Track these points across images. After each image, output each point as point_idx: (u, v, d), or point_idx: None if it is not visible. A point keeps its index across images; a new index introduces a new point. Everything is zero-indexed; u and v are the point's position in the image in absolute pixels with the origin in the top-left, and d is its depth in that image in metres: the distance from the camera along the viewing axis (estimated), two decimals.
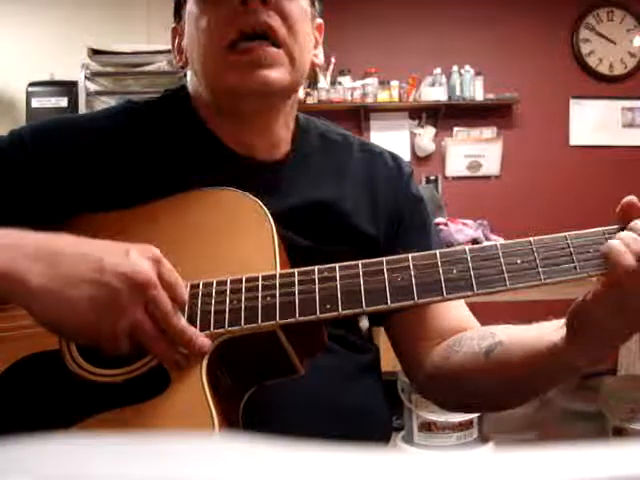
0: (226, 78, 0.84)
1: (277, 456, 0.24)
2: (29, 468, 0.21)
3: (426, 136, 4.25)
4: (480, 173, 4.31)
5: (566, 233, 0.71)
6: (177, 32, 0.94)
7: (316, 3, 0.94)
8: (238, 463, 0.23)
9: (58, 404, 0.73)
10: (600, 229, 0.70)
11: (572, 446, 0.24)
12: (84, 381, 0.73)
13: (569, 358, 0.74)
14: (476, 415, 2.27)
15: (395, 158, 1.01)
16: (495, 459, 0.24)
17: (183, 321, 0.69)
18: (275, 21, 0.83)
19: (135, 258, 0.67)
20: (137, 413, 0.70)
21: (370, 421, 0.90)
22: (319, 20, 0.96)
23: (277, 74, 0.84)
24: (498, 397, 0.87)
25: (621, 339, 0.73)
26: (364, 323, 0.97)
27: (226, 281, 0.73)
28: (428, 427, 2.30)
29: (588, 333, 0.70)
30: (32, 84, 3.54)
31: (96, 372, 0.73)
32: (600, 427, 2.24)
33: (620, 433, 2.10)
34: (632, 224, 0.68)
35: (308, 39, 0.90)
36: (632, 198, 0.70)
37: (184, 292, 0.70)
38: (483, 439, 2.31)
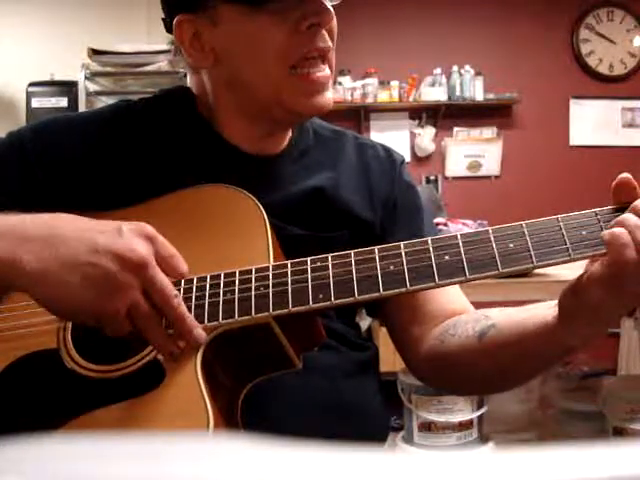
0: (292, 102, 0.86)
1: (276, 456, 0.24)
2: (25, 469, 0.21)
3: (426, 136, 4.25)
4: (480, 173, 4.31)
5: (558, 215, 0.70)
6: (189, 26, 0.86)
7: None
8: (236, 463, 0.23)
9: (56, 401, 0.74)
10: (592, 210, 0.70)
11: (572, 446, 0.24)
12: (81, 378, 0.73)
13: (560, 337, 0.74)
14: (476, 415, 2.27)
15: (386, 149, 1.04)
16: (495, 459, 0.24)
17: (183, 306, 0.69)
18: (330, 44, 0.86)
19: (129, 237, 0.67)
20: (133, 408, 0.70)
21: (366, 418, 0.91)
22: None
23: (330, 95, 0.88)
24: (493, 379, 0.88)
25: (615, 319, 0.73)
26: (364, 323, 0.98)
27: (219, 275, 0.74)
28: (428, 427, 2.30)
29: (583, 312, 0.70)
30: (32, 84, 3.54)
31: (93, 368, 0.74)
32: (600, 427, 2.24)
33: (620, 433, 2.10)
34: (634, 205, 0.67)
35: None
36: (626, 176, 0.70)
37: (183, 264, 0.70)
38: (483, 439, 2.31)
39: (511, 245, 0.69)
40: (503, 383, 0.90)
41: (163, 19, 0.91)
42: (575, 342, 0.75)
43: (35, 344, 0.76)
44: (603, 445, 0.24)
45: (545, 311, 0.76)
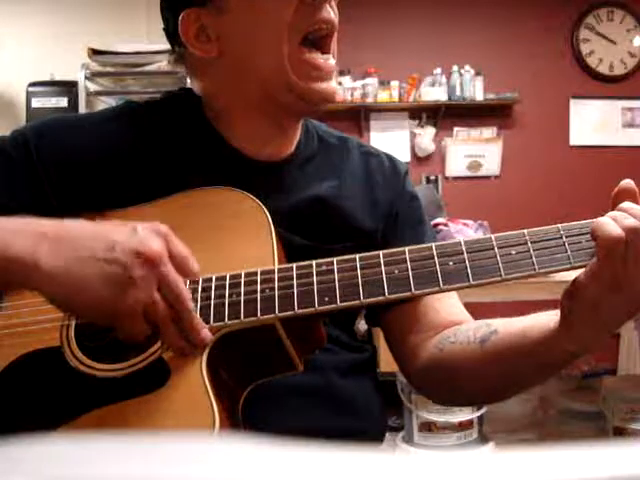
0: (299, 82, 0.86)
1: (276, 456, 0.24)
2: (29, 469, 0.21)
3: (426, 136, 4.25)
4: (480, 173, 4.31)
5: (559, 224, 0.72)
6: (197, 18, 0.87)
7: None
8: (237, 463, 0.23)
9: (59, 399, 0.74)
10: (592, 220, 0.71)
11: (572, 446, 0.24)
12: (85, 376, 0.73)
13: (562, 342, 0.74)
14: (476, 415, 2.27)
15: (391, 158, 1.03)
16: (495, 459, 0.24)
17: (193, 306, 0.69)
18: (335, 19, 0.88)
19: (144, 234, 0.67)
20: (137, 407, 0.70)
21: (363, 418, 0.90)
22: None
23: (335, 85, 0.90)
24: (494, 387, 0.87)
25: (615, 322, 0.72)
26: (362, 325, 0.98)
27: (225, 276, 0.74)
28: (428, 427, 2.30)
29: (582, 313, 0.70)
30: (32, 84, 3.53)
31: (96, 367, 0.74)
32: (600, 427, 2.25)
33: (620, 433, 2.11)
34: (620, 205, 0.70)
35: None
36: (627, 182, 0.71)
37: (195, 264, 0.70)
38: (483, 439, 2.31)
39: (513, 252, 0.71)
40: (504, 391, 0.88)
41: (165, 22, 0.92)
42: (577, 348, 0.74)
43: (38, 342, 0.76)
44: (603, 445, 0.24)
45: (548, 317, 0.76)
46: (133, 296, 0.66)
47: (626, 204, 0.69)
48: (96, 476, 0.21)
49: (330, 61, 0.88)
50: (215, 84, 0.92)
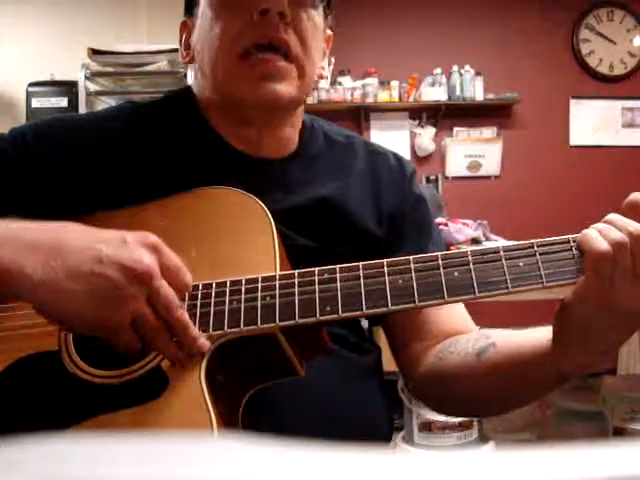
0: (236, 88, 0.86)
1: (277, 456, 0.24)
2: (29, 468, 0.21)
3: (426, 136, 4.25)
4: (480, 173, 4.31)
5: (569, 236, 0.70)
6: (186, 27, 0.95)
7: (329, 16, 0.95)
8: (238, 463, 0.23)
9: (56, 405, 0.72)
10: None
11: (572, 446, 0.24)
12: (82, 382, 0.72)
13: (553, 361, 0.73)
14: None
15: (398, 158, 1.02)
16: (495, 459, 0.24)
17: (186, 316, 0.68)
18: (290, 37, 0.85)
19: (134, 247, 0.66)
20: (135, 416, 0.69)
21: (370, 422, 0.89)
22: (329, 32, 0.97)
23: (286, 88, 0.85)
24: (489, 400, 0.86)
25: (607, 343, 0.71)
26: (364, 322, 0.97)
27: (225, 283, 0.72)
28: (428, 427, 2.30)
29: (572, 334, 0.69)
30: (32, 84, 3.53)
31: (94, 373, 0.73)
32: (600, 427, 2.24)
33: (620, 433, 2.10)
34: (607, 217, 0.68)
35: (318, 54, 0.92)
36: (635, 199, 0.68)
37: (188, 276, 0.69)
38: (483, 439, 2.31)
39: (521, 264, 0.69)
40: (499, 405, 0.88)
41: None
42: (570, 369, 0.73)
43: (36, 346, 0.75)
44: (603, 445, 0.24)
45: (544, 334, 0.75)
46: (120, 311, 0.65)
47: (612, 216, 0.67)
48: (96, 476, 0.21)
49: (279, 61, 0.84)
50: (195, 85, 0.96)
